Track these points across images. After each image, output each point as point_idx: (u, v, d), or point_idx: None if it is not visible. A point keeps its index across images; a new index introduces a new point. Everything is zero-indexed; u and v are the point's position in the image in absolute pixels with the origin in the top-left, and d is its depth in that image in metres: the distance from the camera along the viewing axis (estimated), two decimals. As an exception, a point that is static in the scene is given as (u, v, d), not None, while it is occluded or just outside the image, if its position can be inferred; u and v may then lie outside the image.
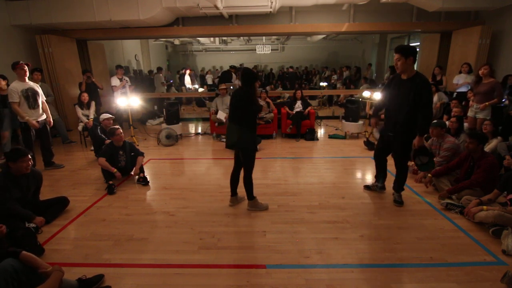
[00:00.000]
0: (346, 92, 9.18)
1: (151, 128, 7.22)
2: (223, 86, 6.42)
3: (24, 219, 2.73)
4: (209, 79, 12.61)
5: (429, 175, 3.49)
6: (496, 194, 2.85)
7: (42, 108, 4.24)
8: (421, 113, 2.78)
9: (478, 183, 3.06)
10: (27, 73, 4.06)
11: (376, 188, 3.51)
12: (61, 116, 6.12)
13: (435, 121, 3.77)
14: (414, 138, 2.91)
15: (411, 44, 11.82)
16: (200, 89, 10.65)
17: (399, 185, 3.22)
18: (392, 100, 3.00)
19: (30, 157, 2.79)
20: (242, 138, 2.86)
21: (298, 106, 6.24)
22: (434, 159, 3.74)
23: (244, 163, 2.97)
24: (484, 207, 2.68)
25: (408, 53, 2.73)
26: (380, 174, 3.45)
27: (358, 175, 4.19)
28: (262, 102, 6.24)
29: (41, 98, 4.21)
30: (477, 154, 3.14)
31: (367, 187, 3.59)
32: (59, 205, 3.11)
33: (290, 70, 13.19)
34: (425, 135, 3.09)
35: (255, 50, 14.90)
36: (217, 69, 15.12)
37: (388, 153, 3.30)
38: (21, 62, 4.00)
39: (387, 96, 3.08)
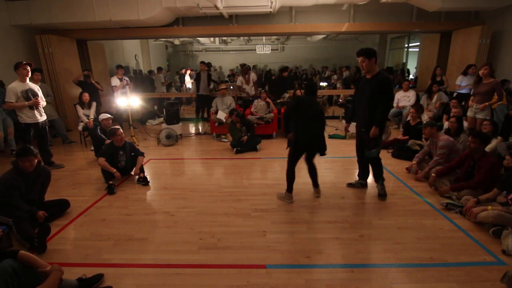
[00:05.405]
0: (346, 92, 9.18)
1: (151, 128, 7.22)
2: (223, 86, 6.43)
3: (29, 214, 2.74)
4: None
5: (432, 174, 3.50)
6: (496, 193, 2.84)
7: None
8: (380, 107, 2.99)
9: (482, 184, 3.05)
10: (29, 74, 4.06)
11: (359, 185, 3.63)
12: (61, 116, 6.11)
13: (426, 121, 3.87)
14: (382, 131, 3.10)
15: (411, 44, 11.84)
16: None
17: (377, 176, 3.37)
18: (361, 98, 3.19)
19: (33, 157, 2.79)
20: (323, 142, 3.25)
21: (298, 106, 6.23)
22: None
23: (312, 160, 3.32)
24: (489, 207, 2.66)
25: (371, 55, 2.98)
26: (362, 171, 3.59)
27: (358, 175, 4.18)
28: (262, 102, 6.25)
29: (41, 101, 4.20)
30: (478, 154, 3.14)
31: (350, 185, 3.67)
32: (59, 207, 3.09)
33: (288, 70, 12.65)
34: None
35: (255, 50, 14.87)
36: (215, 69, 15.10)
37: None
38: (24, 62, 3.99)
39: (357, 96, 3.31)
